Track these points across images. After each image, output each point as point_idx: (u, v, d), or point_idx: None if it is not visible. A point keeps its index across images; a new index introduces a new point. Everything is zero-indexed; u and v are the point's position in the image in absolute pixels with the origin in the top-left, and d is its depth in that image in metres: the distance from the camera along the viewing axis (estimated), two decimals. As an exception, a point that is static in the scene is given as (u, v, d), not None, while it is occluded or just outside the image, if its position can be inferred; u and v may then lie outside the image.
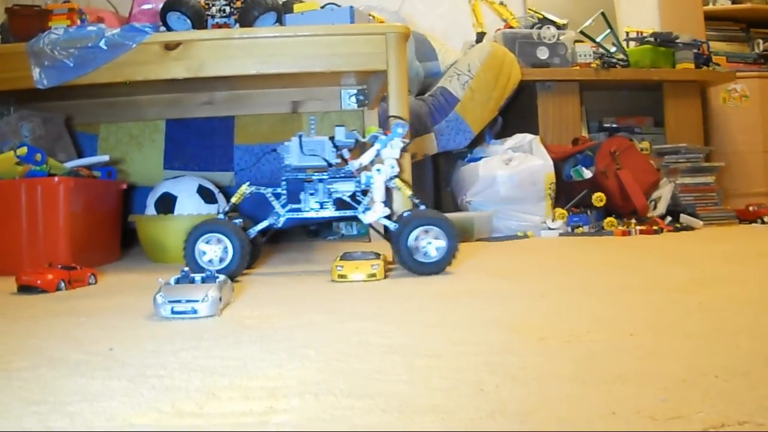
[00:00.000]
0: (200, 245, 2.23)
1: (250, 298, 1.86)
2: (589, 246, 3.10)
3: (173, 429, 0.83)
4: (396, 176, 2.32)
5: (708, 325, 1.33)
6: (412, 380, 1.00)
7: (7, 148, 2.93)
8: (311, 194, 2.35)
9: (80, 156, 3.45)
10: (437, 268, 2.22)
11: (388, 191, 2.36)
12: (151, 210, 3.01)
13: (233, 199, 2.37)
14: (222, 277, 1.71)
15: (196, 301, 1.56)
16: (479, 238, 3.58)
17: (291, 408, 0.89)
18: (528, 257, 2.76)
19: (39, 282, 2.09)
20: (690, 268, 2.25)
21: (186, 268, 1.72)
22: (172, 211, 2.96)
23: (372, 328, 1.40)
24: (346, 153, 2.35)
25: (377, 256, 2.21)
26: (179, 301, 1.56)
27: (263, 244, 2.61)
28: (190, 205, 2.93)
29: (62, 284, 2.13)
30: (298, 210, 2.35)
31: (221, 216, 2.36)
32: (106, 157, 3.13)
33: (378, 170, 2.27)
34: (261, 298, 1.88)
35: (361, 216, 2.32)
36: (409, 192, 2.34)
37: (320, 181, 2.33)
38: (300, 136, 2.33)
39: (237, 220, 2.36)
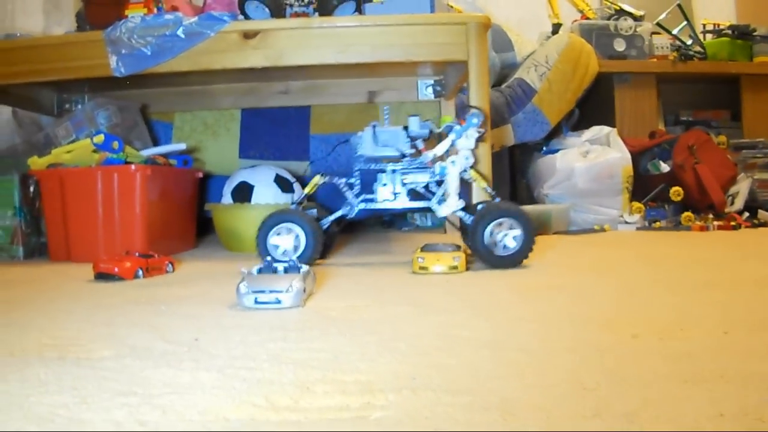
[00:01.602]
0: (272, 238, 2.24)
1: (332, 289, 1.84)
2: (668, 241, 3.05)
3: (270, 423, 0.81)
4: (471, 167, 2.28)
5: (804, 322, 1.29)
6: (509, 376, 0.97)
7: (83, 136, 2.94)
8: (384, 185, 2.33)
9: (155, 144, 3.47)
10: (515, 261, 2.18)
11: (464, 182, 2.33)
12: (227, 198, 3.01)
13: (306, 190, 2.38)
14: (305, 267, 1.69)
15: (280, 291, 1.54)
16: (556, 231, 3.55)
17: (389, 404, 0.86)
18: (607, 251, 2.71)
19: (116, 270, 2.09)
20: (774, 264, 2.21)
21: (269, 258, 1.71)
22: (249, 200, 2.96)
23: (460, 322, 1.37)
24: (420, 143, 2.34)
25: (458, 248, 2.18)
26: (263, 291, 1.54)
27: (337, 233, 2.59)
28: (267, 194, 2.93)
29: (140, 272, 2.13)
30: (372, 200, 2.35)
31: (293, 206, 2.37)
32: (183, 146, 3.13)
33: (452, 162, 2.24)
34: (343, 289, 1.86)
35: (435, 208, 2.30)
36: (484, 183, 2.32)
37: (394, 171, 2.32)
38: (374, 126, 2.31)
39: (311, 210, 2.36)
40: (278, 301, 1.54)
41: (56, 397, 0.92)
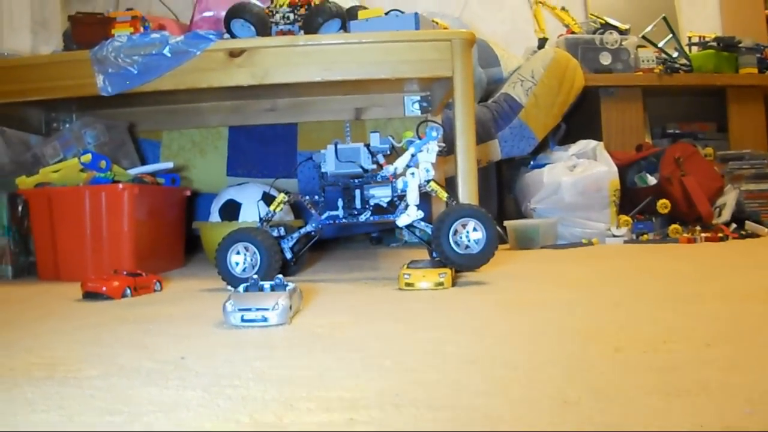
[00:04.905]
0: (233, 256, 2.26)
1: (318, 306, 1.84)
2: (656, 254, 3.06)
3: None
4: (431, 180, 2.30)
5: (789, 335, 1.30)
6: (493, 392, 0.98)
7: (71, 155, 2.94)
8: (348, 201, 2.36)
9: (143, 163, 3.47)
10: (480, 260, 2.20)
11: (427, 196, 2.38)
12: (215, 216, 3.01)
13: (272, 207, 2.42)
14: (292, 285, 1.69)
15: (267, 309, 1.54)
16: (544, 245, 3.55)
17: (372, 420, 0.87)
18: (595, 265, 2.71)
19: (104, 289, 2.09)
20: (761, 276, 2.21)
21: (255, 276, 1.71)
22: (236, 217, 2.96)
23: (445, 338, 1.37)
24: (380, 158, 2.37)
25: (444, 265, 2.19)
26: (249, 309, 1.54)
27: (306, 250, 2.59)
28: (255, 212, 2.92)
29: (128, 291, 2.13)
30: (336, 217, 2.37)
31: (259, 224, 2.42)
32: (170, 164, 3.13)
33: (412, 174, 2.26)
34: (329, 305, 1.87)
35: (396, 220, 2.32)
36: (445, 195, 2.32)
37: (357, 187, 2.34)
38: (336, 143, 2.34)
39: (275, 228, 2.43)
40: (264, 319, 1.54)
41: (43, 416, 0.92)
